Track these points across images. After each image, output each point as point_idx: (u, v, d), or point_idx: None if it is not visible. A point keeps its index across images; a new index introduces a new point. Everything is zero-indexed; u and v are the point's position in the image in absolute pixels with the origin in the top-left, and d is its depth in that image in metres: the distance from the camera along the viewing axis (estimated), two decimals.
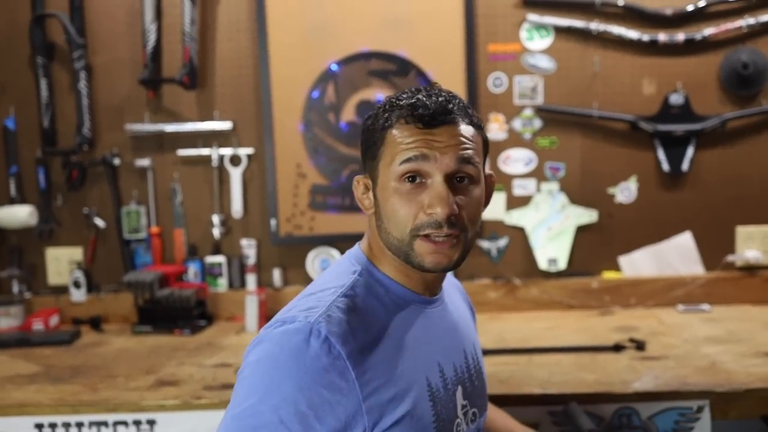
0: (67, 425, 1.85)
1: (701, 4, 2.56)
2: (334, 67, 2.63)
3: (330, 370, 1.01)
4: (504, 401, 1.65)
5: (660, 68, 2.61)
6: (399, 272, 1.17)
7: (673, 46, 2.57)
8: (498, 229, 2.68)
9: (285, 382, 1.00)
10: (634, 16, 2.59)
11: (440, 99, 1.12)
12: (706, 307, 2.56)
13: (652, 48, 2.58)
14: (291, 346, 1.03)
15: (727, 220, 2.64)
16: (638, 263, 2.67)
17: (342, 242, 2.67)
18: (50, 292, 2.76)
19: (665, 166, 2.61)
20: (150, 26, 2.60)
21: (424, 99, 1.12)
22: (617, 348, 2.09)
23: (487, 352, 2.04)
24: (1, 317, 2.58)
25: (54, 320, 2.64)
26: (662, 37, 2.56)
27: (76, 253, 2.76)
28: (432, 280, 1.20)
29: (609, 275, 2.66)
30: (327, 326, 1.04)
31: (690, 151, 2.60)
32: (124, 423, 1.84)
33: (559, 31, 2.61)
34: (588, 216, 2.66)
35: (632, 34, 2.57)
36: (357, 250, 1.23)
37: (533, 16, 2.59)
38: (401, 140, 1.11)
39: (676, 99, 2.58)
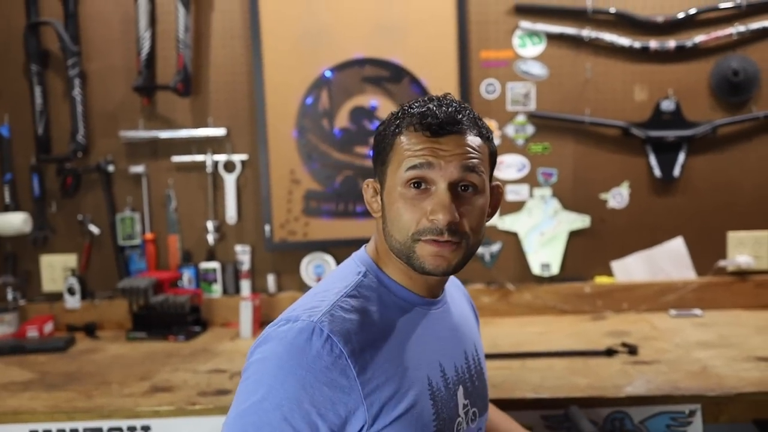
0: None
1: (692, 11, 2.58)
2: (328, 74, 2.64)
3: (332, 368, 1.04)
4: (497, 405, 1.65)
5: (651, 75, 2.63)
6: (403, 275, 1.20)
7: (664, 53, 2.60)
8: (491, 234, 2.70)
9: (288, 380, 1.03)
10: (625, 23, 2.61)
11: (450, 109, 1.15)
12: (697, 311, 2.58)
13: (643, 55, 2.61)
14: (294, 344, 1.05)
15: (719, 225, 2.66)
16: (630, 268, 2.68)
17: (336, 248, 2.68)
18: (45, 299, 2.76)
19: (657, 172, 2.63)
20: (144, 33, 2.61)
21: (435, 108, 1.15)
22: (610, 352, 2.11)
23: None
24: None
25: (48, 327, 2.64)
26: (653, 44, 2.58)
27: (71, 259, 2.76)
28: (434, 283, 1.22)
29: (601, 280, 2.68)
30: (329, 325, 1.07)
31: (681, 157, 2.62)
32: (119, 429, 1.85)
33: (552, 38, 2.63)
34: (580, 221, 2.67)
35: (624, 41, 2.59)
36: (363, 252, 1.26)
37: (525, 23, 2.61)
38: (409, 147, 1.14)
39: (667, 105, 2.60)
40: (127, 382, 2.06)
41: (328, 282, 1.21)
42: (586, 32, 2.59)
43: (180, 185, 2.73)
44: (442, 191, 1.12)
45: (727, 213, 2.66)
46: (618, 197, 2.68)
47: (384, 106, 2.62)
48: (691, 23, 2.60)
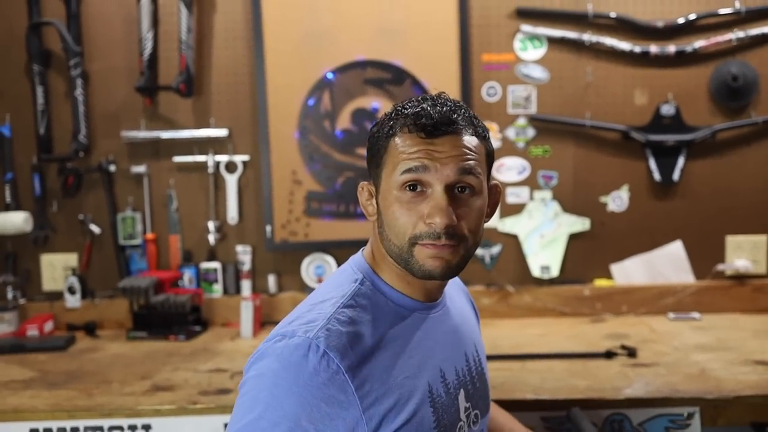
0: (62, 430, 1.85)
1: (692, 17, 2.59)
2: (330, 76, 2.65)
3: (329, 384, 1.03)
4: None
5: (651, 79, 2.64)
6: (400, 279, 1.18)
7: (664, 58, 2.61)
8: (491, 236, 2.71)
9: (285, 397, 1.01)
10: (626, 28, 2.62)
11: (445, 109, 1.13)
12: (696, 315, 2.59)
13: (643, 59, 2.62)
14: (291, 361, 1.04)
15: (717, 229, 2.68)
16: (630, 271, 2.69)
17: (337, 249, 2.69)
18: (45, 298, 2.76)
19: (656, 176, 2.64)
20: (147, 34, 2.62)
21: (429, 108, 1.12)
22: (609, 355, 2.12)
23: None
24: None
25: (48, 326, 2.64)
26: (654, 48, 2.60)
27: (71, 259, 2.77)
28: (433, 287, 1.20)
29: (601, 283, 2.69)
30: (326, 341, 1.05)
31: (681, 161, 2.63)
32: (120, 428, 1.85)
33: (553, 41, 2.64)
34: (580, 224, 2.68)
35: (624, 45, 2.60)
36: (360, 257, 1.23)
37: (527, 27, 2.62)
38: (403, 149, 1.12)
39: (667, 110, 2.61)
40: (128, 381, 2.07)
41: (324, 290, 1.19)
42: (587, 36, 2.61)
43: (181, 185, 2.74)
44: (438, 194, 1.09)
45: (725, 217, 2.67)
46: (618, 200, 2.69)
47: (385, 108, 2.63)
48: (691, 28, 2.62)
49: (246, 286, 2.67)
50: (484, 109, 2.66)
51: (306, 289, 2.71)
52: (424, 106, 1.13)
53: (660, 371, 1.97)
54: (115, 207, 2.74)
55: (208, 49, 2.70)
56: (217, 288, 2.74)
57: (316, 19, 2.63)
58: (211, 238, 2.72)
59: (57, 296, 2.75)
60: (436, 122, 1.10)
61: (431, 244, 1.10)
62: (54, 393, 1.99)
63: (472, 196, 1.13)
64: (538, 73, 2.65)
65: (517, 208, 2.69)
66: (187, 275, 2.73)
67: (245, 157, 2.71)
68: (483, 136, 1.17)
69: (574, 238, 2.69)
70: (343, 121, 2.66)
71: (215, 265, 2.73)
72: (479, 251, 2.69)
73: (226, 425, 1.77)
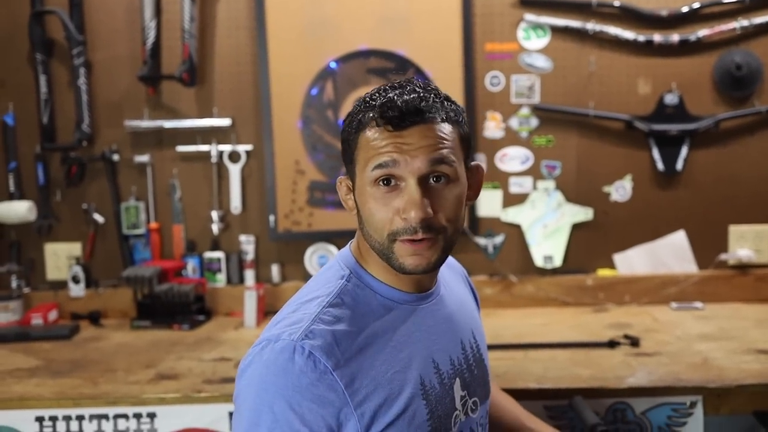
0: (67, 418, 1.86)
1: (696, 5, 2.58)
2: (333, 65, 2.65)
3: (317, 384, 1.03)
4: None
5: (655, 68, 2.63)
6: (388, 272, 1.17)
7: (668, 47, 2.60)
8: (494, 226, 2.71)
9: (276, 403, 1.02)
10: (629, 16, 2.61)
11: (412, 97, 1.09)
12: (699, 304, 2.59)
13: (647, 48, 2.61)
14: (277, 366, 1.04)
15: (720, 219, 2.68)
16: (632, 261, 2.70)
17: (340, 238, 2.69)
18: (49, 287, 2.77)
19: (660, 166, 2.64)
20: (149, 23, 2.61)
21: (396, 98, 1.09)
22: (612, 344, 2.12)
23: None
24: (0, 312, 2.59)
25: (53, 315, 2.66)
26: (657, 37, 2.59)
27: (75, 248, 2.77)
28: (422, 278, 1.18)
29: (604, 273, 2.69)
30: (311, 342, 1.05)
31: (684, 151, 2.63)
32: (125, 416, 1.86)
33: (556, 30, 2.63)
34: (583, 214, 2.68)
35: (628, 34, 2.60)
36: (347, 251, 1.23)
37: (530, 16, 2.61)
38: (373, 144, 1.09)
39: (670, 99, 2.61)
40: (133, 369, 2.08)
41: (311, 288, 1.19)
42: (591, 25, 2.60)
43: (185, 175, 2.74)
44: (411, 187, 1.07)
45: (728, 207, 2.67)
46: (621, 190, 2.69)
47: None
48: (694, 17, 2.61)
49: (249, 275, 2.68)
50: (487, 98, 2.66)
51: (309, 279, 2.71)
52: (391, 96, 1.10)
53: (663, 360, 1.98)
54: (118, 196, 2.74)
55: (211, 38, 2.70)
56: (221, 277, 2.74)
57: (319, 8, 2.63)
58: (215, 228, 2.73)
59: (61, 285, 2.76)
60: (403, 113, 1.07)
61: (409, 240, 1.09)
62: (59, 381, 2.00)
63: (448, 185, 1.10)
64: (542, 62, 2.65)
65: (520, 198, 2.69)
66: (191, 265, 2.74)
67: (248, 147, 2.71)
68: (455, 120, 1.13)
69: (577, 228, 2.69)
70: (347, 111, 2.65)
71: (219, 254, 2.74)
72: (482, 241, 2.70)
73: (231, 413, 1.79)
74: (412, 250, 1.09)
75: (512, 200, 2.70)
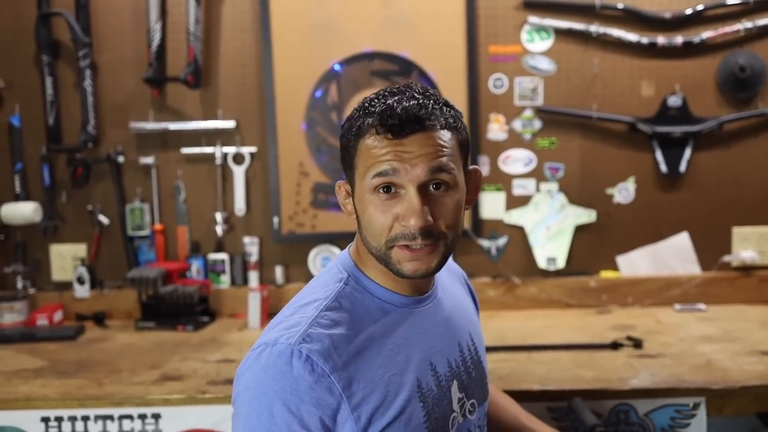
0: (73, 419, 1.88)
1: (700, 7, 2.59)
2: (337, 67, 2.66)
3: (315, 387, 1.04)
4: None
5: (658, 70, 2.64)
6: (386, 276, 1.17)
7: (671, 49, 2.61)
8: (497, 228, 2.71)
9: (274, 406, 1.03)
10: (633, 19, 2.62)
11: (411, 104, 1.09)
12: (702, 306, 2.59)
13: (651, 50, 2.62)
14: (275, 369, 1.05)
15: (724, 220, 2.68)
16: (636, 263, 2.70)
17: (344, 240, 2.70)
18: (54, 288, 2.78)
19: (663, 168, 2.64)
20: (155, 25, 2.62)
21: (395, 105, 1.09)
22: (615, 346, 2.13)
23: (486, 349, 2.06)
24: (5, 312, 2.60)
25: (58, 316, 2.67)
26: (661, 39, 2.59)
27: (80, 249, 2.79)
28: (419, 282, 1.19)
29: (607, 274, 2.69)
30: (308, 346, 1.06)
31: (687, 153, 2.63)
32: (130, 417, 1.87)
33: (560, 33, 2.64)
34: (586, 216, 2.69)
35: (631, 36, 2.60)
36: (345, 255, 1.23)
37: (534, 19, 2.62)
38: (373, 152, 1.09)
39: (674, 101, 2.61)
40: (137, 370, 2.09)
41: (309, 291, 1.19)
42: (594, 28, 2.60)
43: (189, 177, 2.75)
44: (411, 195, 1.08)
45: (732, 208, 2.67)
46: (624, 192, 2.69)
47: None
48: (698, 19, 2.61)
49: (253, 277, 2.69)
50: (490, 100, 2.66)
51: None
52: (390, 102, 1.10)
53: (666, 362, 1.98)
54: (123, 198, 2.75)
55: (216, 40, 2.71)
56: (225, 279, 2.75)
57: (324, 10, 2.64)
58: (219, 230, 2.74)
59: (66, 286, 2.77)
60: (403, 121, 1.07)
61: (407, 245, 1.09)
62: (64, 382, 2.01)
63: (447, 192, 1.11)
64: (545, 64, 2.65)
65: (524, 200, 2.70)
66: (195, 266, 2.75)
67: (253, 149, 2.72)
68: (454, 126, 1.13)
69: (580, 230, 2.70)
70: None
71: (223, 256, 2.75)
72: (486, 243, 2.70)
73: None
74: (410, 255, 1.10)
75: (515, 202, 2.70)
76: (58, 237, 2.78)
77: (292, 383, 1.03)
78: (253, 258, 2.71)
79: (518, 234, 2.71)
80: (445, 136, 1.11)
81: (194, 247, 2.77)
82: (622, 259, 2.71)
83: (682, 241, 2.69)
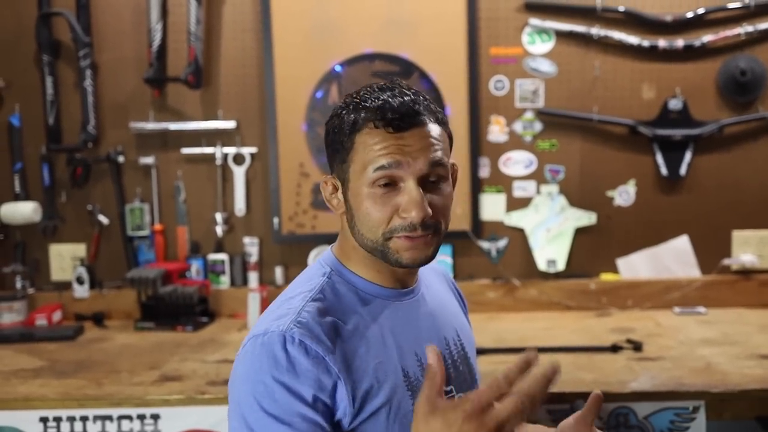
0: (72, 419, 1.87)
1: (701, 11, 2.59)
2: (338, 68, 2.66)
3: (313, 369, 1.05)
4: None
5: (659, 74, 2.64)
6: (369, 269, 1.18)
7: (672, 52, 2.61)
8: (498, 230, 2.71)
9: (275, 391, 1.03)
10: (634, 22, 2.62)
11: (406, 99, 1.11)
12: (701, 309, 2.59)
13: (651, 53, 2.62)
14: (270, 356, 1.05)
15: (724, 224, 2.68)
16: (635, 266, 2.70)
17: None
18: (53, 288, 2.78)
19: (663, 171, 2.64)
20: (155, 25, 2.62)
21: (391, 100, 1.10)
22: (614, 349, 2.13)
23: (486, 351, 2.08)
24: (4, 312, 2.60)
25: (57, 316, 2.66)
26: (662, 43, 2.59)
27: (80, 249, 2.78)
28: (403, 274, 1.20)
29: (607, 277, 2.69)
30: (300, 330, 1.07)
31: (688, 156, 2.63)
32: (129, 417, 1.87)
33: (561, 35, 2.64)
34: (587, 218, 2.69)
35: (632, 39, 2.60)
36: (328, 252, 1.24)
37: (535, 21, 2.62)
38: (372, 146, 1.10)
39: (674, 104, 2.61)
40: (137, 370, 2.09)
41: (294, 287, 1.20)
42: (595, 30, 2.61)
43: (189, 177, 2.75)
44: (412, 188, 1.09)
45: (732, 212, 2.67)
46: (624, 195, 2.69)
47: None
48: (699, 23, 2.61)
49: (253, 277, 2.69)
50: (491, 102, 2.66)
51: None
52: (385, 98, 1.11)
53: (665, 365, 1.98)
54: (123, 198, 2.75)
55: (217, 40, 2.71)
56: (225, 279, 2.75)
57: (325, 11, 2.64)
58: (219, 230, 2.73)
59: (65, 286, 2.76)
60: (402, 116, 1.09)
61: (406, 236, 1.11)
62: (63, 382, 2.01)
63: (442, 184, 1.14)
64: (546, 66, 2.66)
65: (524, 202, 2.70)
66: (195, 266, 2.74)
67: (253, 149, 2.72)
68: (443, 121, 1.16)
69: (580, 232, 2.70)
70: None
71: (222, 256, 2.75)
72: (486, 245, 2.70)
73: None
74: (410, 244, 1.11)
75: (516, 204, 2.70)
76: (58, 237, 2.78)
77: (289, 368, 1.04)
78: (253, 258, 2.71)
79: (518, 236, 2.71)
80: (437, 130, 1.14)
81: (194, 247, 2.77)
82: (622, 262, 2.71)
83: (682, 244, 2.69)
